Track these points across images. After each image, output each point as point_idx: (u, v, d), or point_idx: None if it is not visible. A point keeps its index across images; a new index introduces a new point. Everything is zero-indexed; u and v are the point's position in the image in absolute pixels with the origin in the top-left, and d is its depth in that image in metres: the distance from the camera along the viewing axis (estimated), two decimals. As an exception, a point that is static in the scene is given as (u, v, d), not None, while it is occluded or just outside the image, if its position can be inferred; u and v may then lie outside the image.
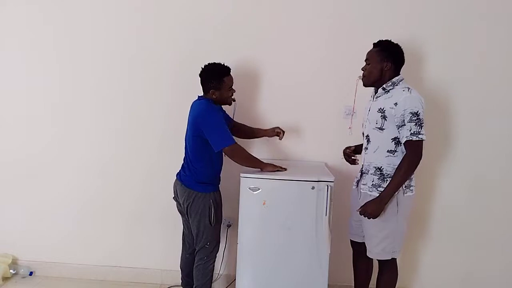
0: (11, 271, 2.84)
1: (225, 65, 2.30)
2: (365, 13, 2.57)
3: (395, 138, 2.04)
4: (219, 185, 2.39)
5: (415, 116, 1.96)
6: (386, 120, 2.03)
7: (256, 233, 2.22)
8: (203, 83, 2.30)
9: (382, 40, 2.13)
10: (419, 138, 1.97)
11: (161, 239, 2.83)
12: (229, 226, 2.65)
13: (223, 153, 2.32)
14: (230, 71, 2.31)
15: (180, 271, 2.55)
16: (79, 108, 2.81)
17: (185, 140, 2.37)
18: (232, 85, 2.33)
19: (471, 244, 2.70)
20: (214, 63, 2.30)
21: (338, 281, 2.62)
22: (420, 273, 2.76)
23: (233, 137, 2.23)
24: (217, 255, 2.43)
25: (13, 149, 2.86)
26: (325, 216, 2.14)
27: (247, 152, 2.29)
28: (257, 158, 2.30)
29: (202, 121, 2.19)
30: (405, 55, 2.13)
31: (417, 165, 2.01)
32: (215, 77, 2.26)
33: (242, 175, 2.19)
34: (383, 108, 2.04)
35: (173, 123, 2.70)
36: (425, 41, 2.56)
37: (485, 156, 2.63)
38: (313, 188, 2.15)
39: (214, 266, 2.42)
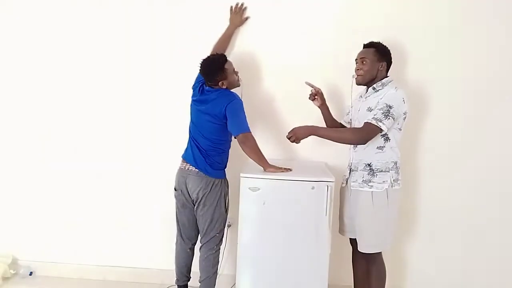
0: (11, 271, 2.84)
1: (219, 53, 2.35)
2: (365, 14, 2.59)
3: (384, 134, 2.11)
4: None
5: (386, 107, 2.06)
6: None
7: (256, 233, 2.22)
8: (209, 78, 2.32)
9: (374, 41, 2.22)
10: (377, 124, 2.05)
11: (161, 239, 2.82)
12: (229, 226, 2.65)
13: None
14: (226, 57, 2.34)
15: (178, 269, 2.52)
16: (79, 107, 2.81)
17: (195, 129, 2.36)
18: (234, 68, 2.36)
19: (464, 243, 2.71)
20: (208, 57, 2.33)
21: (338, 281, 2.62)
22: (412, 271, 2.76)
23: None
24: None
25: (13, 148, 2.87)
26: (325, 216, 2.15)
27: (258, 146, 2.30)
28: (264, 157, 2.29)
29: (231, 106, 2.24)
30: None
31: (353, 141, 2.17)
32: (217, 68, 2.29)
33: (242, 175, 2.19)
34: (371, 107, 2.13)
35: (170, 122, 2.72)
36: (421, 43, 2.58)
37: (478, 155, 2.64)
38: (313, 188, 2.15)
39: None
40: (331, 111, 2.47)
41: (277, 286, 2.25)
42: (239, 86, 2.43)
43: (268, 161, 2.28)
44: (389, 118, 2.04)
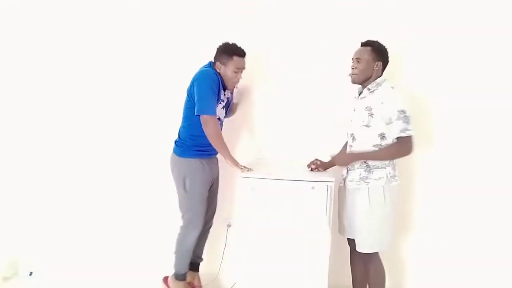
0: (11, 271, 2.84)
1: (243, 49, 2.32)
2: (360, 19, 2.60)
3: (381, 134, 2.12)
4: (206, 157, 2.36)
5: (402, 114, 2.06)
6: (372, 117, 2.11)
7: (256, 233, 2.22)
8: (216, 54, 2.32)
9: (371, 40, 2.21)
10: (407, 134, 2.07)
11: (161, 238, 2.82)
12: (229, 226, 2.65)
13: None
14: (244, 55, 2.32)
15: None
16: (78, 105, 2.82)
17: None
18: (239, 68, 2.30)
19: (463, 242, 2.70)
20: (235, 43, 2.33)
21: (338, 281, 2.62)
22: (411, 271, 2.76)
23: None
24: (200, 230, 2.41)
25: (13, 148, 2.87)
26: (325, 216, 2.15)
27: (220, 133, 2.27)
28: (225, 146, 2.26)
29: (198, 83, 2.22)
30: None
31: (403, 156, 2.12)
32: (228, 52, 2.29)
33: (242, 175, 2.19)
34: (370, 107, 2.12)
35: (167, 122, 2.72)
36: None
37: (478, 154, 2.64)
38: (313, 188, 2.15)
39: (193, 241, 2.39)
40: (330, 110, 2.47)
41: (277, 286, 2.25)
42: (230, 88, 2.34)
43: (266, 160, 2.28)
44: (409, 121, 2.06)
